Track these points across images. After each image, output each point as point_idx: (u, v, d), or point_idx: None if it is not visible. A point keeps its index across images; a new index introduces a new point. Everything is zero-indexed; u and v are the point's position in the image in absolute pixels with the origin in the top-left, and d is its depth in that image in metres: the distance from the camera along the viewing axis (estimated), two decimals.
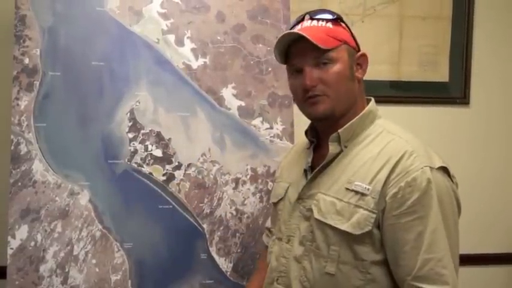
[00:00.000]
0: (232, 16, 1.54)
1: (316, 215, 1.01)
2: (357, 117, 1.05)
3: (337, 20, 1.06)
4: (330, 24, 1.04)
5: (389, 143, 1.01)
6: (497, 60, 2.00)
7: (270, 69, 1.56)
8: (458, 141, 1.96)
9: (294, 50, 1.05)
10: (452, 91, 1.96)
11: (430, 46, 1.94)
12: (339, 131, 1.03)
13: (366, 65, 1.08)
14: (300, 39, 1.01)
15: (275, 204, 1.19)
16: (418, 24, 1.93)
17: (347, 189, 0.99)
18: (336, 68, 1.01)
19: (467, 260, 1.94)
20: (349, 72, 1.03)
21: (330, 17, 1.05)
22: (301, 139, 1.21)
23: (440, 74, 1.95)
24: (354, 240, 0.97)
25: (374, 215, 0.95)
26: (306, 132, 1.15)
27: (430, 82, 1.95)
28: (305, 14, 1.07)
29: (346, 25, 1.08)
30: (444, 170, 0.98)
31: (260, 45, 1.56)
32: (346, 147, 1.04)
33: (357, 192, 0.97)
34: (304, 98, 1.04)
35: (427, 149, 1.01)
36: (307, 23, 1.05)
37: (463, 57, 1.95)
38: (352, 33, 1.08)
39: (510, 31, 2.00)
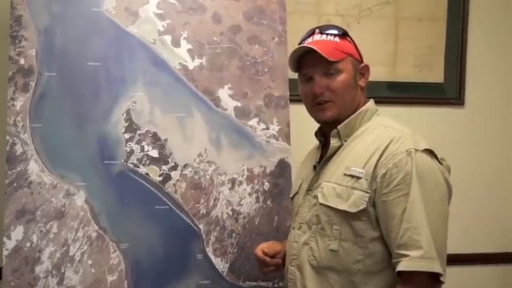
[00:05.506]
0: (229, 17, 1.55)
1: (320, 199, 1.15)
2: (354, 114, 1.18)
3: (344, 35, 1.20)
4: (337, 39, 1.18)
5: (382, 133, 1.14)
6: (492, 61, 2.01)
7: (266, 70, 1.56)
8: (453, 141, 1.97)
9: (305, 61, 1.19)
10: (448, 92, 1.98)
11: (426, 47, 1.95)
12: (338, 127, 1.18)
13: (368, 74, 1.21)
14: (311, 51, 1.15)
15: (291, 198, 1.32)
16: (414, 26, 1.94)
17: (345, 174, 1.12)
18: (342, 77, 1.16)
19: (464, 259, 1.97)
20: (353, 81, 1.18)
21: (337, 32, 1.19)
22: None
23: (436, 75, 1.96)
24: (352, 218, 1.09)
25: (368, 195, 1.08)
26: (316, 134, 1.29)
27: (425, 83, 1.96)
28: (315, 28, 1.21)
29: (352, 39, 1.21)
30: (430, 151, 1.09)
31: (256, 46, 1.56)
32: (345, 141, 1.18)
33: (352, 176, 1.11)
34: (314, 104, 1.19)
35: (415, 136, 1.12)
36: (317, 36, 1.19)
37: (458, 58, 1.96)
38: (356, 46, 1.21)
39: (504, 32, 2.02)
